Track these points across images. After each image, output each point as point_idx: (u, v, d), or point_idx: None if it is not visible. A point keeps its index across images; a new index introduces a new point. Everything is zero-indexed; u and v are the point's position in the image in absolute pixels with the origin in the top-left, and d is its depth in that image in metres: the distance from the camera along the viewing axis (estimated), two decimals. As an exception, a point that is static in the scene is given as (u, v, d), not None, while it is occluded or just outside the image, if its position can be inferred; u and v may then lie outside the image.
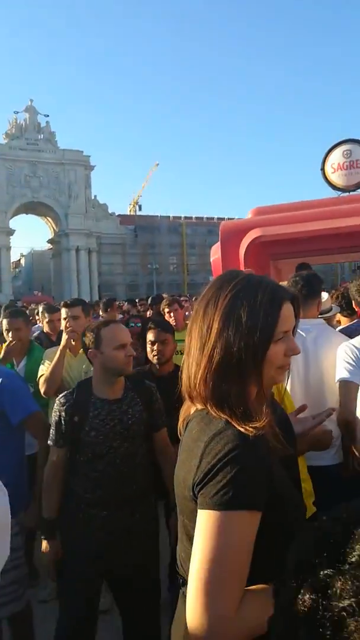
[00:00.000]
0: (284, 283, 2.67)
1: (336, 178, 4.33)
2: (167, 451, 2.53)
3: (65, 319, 3.44)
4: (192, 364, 1.15)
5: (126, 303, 10.38)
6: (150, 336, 3.31)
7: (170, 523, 2.65)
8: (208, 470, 1.02)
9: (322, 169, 4.35)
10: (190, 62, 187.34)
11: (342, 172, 4.27)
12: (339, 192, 4.39)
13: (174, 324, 5.39)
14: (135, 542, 2.31)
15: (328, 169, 4.32)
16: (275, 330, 1.11)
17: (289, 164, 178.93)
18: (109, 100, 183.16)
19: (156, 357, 3.28)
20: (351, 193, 4.31)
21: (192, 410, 1.22)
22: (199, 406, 1.17)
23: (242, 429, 1.03)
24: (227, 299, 1.11)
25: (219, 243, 4.17)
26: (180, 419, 1.27)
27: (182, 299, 8.04)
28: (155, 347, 3.28)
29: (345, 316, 4.37)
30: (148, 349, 3.32)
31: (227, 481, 0.99)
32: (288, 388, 2.24)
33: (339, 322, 5.87)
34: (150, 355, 3.32)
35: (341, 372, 2.48)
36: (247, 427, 1.03)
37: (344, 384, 2.45)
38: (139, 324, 7.12)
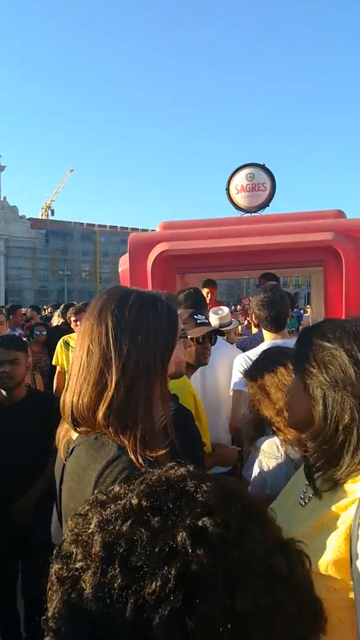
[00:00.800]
0: None
1: (240, 199, 4.58)
2: None
3: None
4: (88, 383, 1.11)
5: (29, 309, 9.94)
6: None
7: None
8: None
9: (227, 190, 4.59)
10: (108, 72, 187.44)
11: (245, 194, 4.53)
12: (242, 213, 4.66)
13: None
14: None
15: (232, 190, 4.56)
16: (176, 337, 1.18)
17: (202, 180, 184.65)
18: (22, 98, 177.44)
19: (1, 380, 2.67)
20: (253, 214, 4.58)
21: (74, 435, 1.19)
22: (82, 430, 1.14)
23: (134, 457, 1.03)
24: (133, 312, 1.11)
25: (127, 254, 4.24)
26: (61, 444, 1.23)
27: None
28: (0, 370, 2.66)
29: (256, 326, 4.66)
30: None
31: None
32: None
33: (239, 334, 6.20)
34: None
35: (235, 382, 2.64)
36: (143, 455, 1.03)
37: (237, 393, 2.62)
38: (44, 332, 6.95)
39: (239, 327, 6.88)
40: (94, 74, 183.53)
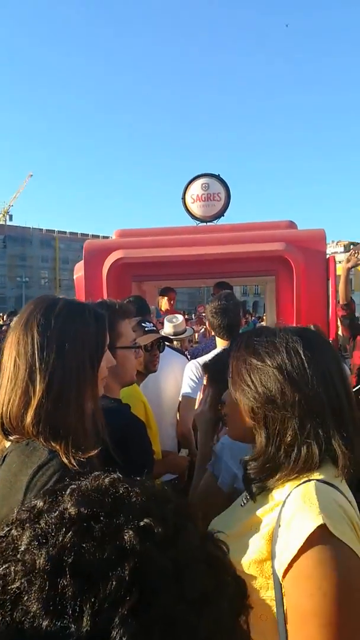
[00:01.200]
0: None
1: (195, 208, 4.65)
2: None
3: None
4: (15, 393, 1.12)
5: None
6: None
7: None
8: None
9: (183, 199, 4.64)
10: (66, 76, 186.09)
11: (201, 204, 4.60)
12: (198, 222, 4.72)
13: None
14: None
15: (188, 200, 4.62)
16: (105, 343, 1.20)
17: (164, 189, 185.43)
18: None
19: None
20: (208, 223, 4.66)
21: (7, 443, 1.19)
22: (13, 438, 1.15)
23: (67, 460, 1.04)
24: (60, 320, 1.13)
25: (82, 261, 4.21)
26: None
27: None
28: None
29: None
30: None
31: None
32: None
33: (196, 342, 6.24)
34: None
35: (185, 388, 2.67)
36: (74, 458, 1.05)
37: (185, 399, 2.64)
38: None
39: (196, 335, 6.94)
40: (53, 81, 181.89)
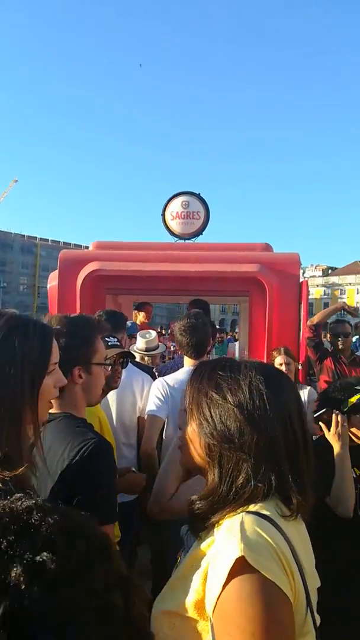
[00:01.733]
0: None
1: (175, 225, 4.67)
2: None
3: None
4: None
5: None
6: None
7: None
8: None
9: (163, 215, 4.66)
10: (52, 87, 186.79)
11: (180, 221, 4.63)
12: (177, 239, 4.74)
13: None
14: None
15: (168, 216, 4.65)
16: (49, 361, 1.16)
17: (151, 202, 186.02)
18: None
19: None
20: (187, 241, 4.68)
21: None
22: None
23: None
24: (1, 334, 1.12)
25: (57, 270, 4.17)
26: None
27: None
28: None
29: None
30: None
31: None
32: None
33: (170, 359, 6.22)
34: None
35: (150, 406, 2.63)
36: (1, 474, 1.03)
37: (151, 418, 2.60)
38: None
39: (172, 348, 6.93)
40: (41, 94, 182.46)
